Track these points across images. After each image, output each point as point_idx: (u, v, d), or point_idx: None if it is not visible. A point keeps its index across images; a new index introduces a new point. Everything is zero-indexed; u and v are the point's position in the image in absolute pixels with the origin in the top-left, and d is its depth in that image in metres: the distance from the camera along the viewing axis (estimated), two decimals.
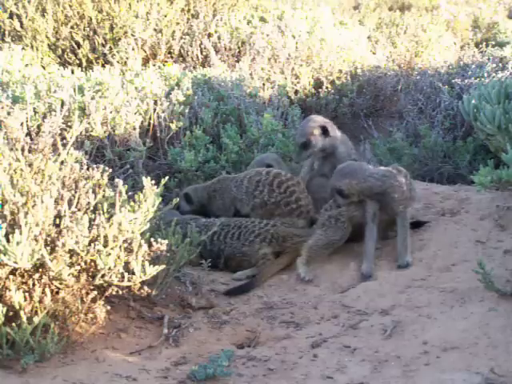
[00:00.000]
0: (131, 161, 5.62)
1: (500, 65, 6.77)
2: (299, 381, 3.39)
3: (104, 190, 3.69)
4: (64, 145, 3.77)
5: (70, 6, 8.03)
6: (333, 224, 4.62)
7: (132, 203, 3.59)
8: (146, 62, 7.83)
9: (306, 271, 4.54)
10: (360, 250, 4.65)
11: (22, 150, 3.60)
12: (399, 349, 3.55)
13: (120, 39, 7.98)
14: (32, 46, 7.90)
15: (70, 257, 3.45)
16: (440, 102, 6.44)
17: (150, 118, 5.87)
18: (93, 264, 3.51)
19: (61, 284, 3.43)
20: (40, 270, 3.40)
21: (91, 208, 3.61)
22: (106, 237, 3.49)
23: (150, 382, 3.34)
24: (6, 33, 8.01)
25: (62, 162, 3.70)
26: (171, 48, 8.13)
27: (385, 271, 4.46)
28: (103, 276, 3.52)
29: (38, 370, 3.27)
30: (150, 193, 3.60)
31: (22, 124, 3.73)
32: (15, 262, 3.22)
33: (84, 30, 8.05)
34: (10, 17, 8.09)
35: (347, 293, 4.31)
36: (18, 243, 3.18)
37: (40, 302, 3.31)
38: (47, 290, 3.32)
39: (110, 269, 3.49)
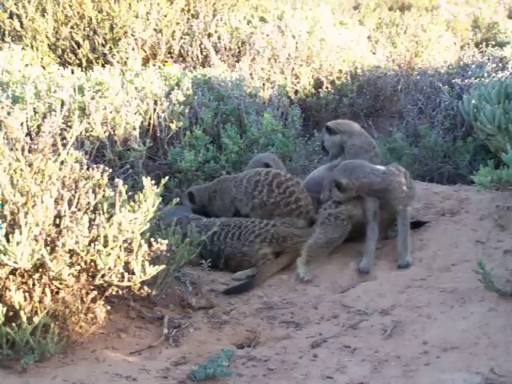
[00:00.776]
0: (131, 161, 5.62)
1: (500, 65, 6.77)
2: (299, 381, 3.39)
3: (104, 190, 3.69)
4: (64, 145, 3.77)
5: (70, 6, 8.03)
6: (332, 222, 4.61)
7: (132, 203, 3.59)
8: (146, 62, 7.83)
9: (305, 271, 4.54)
10: (360, 249, 4.65)
11: (22, 150, 3.60)
12: (399, 349, 3.55)
13: (120, 39, 7.98)
14: (32, 46, 7.90)
15: (70, 257, 3.45)
16: (440, 101, 6.44)
17: (150, 118, 5.87)
18: (93, 264, 3.51)
19: (61, 284, 3.43)
20: (40, 270, 3.40)
21: (91, 208, 3.61)
22: (106, 237, 3.49)
23: (150, 381, 3.34)
24: (6, 33, 8.01)
25: (62, 162, 3.70)
26: (171, 48, 8.13)
27: (385, 271, 4.46)
28: (103, 276, 3.52)
29: (38, 370, 3.27)
30: (150, 193, 3.60)
31: (22, 124, 3.72)
32: (15, 262, 3.22)
33: (84, 30, 8.05)
34: (10, 17, 8.09)
35: (347, 293, 4.31)
36: (18, 243, 3.18)
37: (40, 302, 3.31)
38: (47, 290, 3.32)
39: (110, 269, 3.49)
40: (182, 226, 4.09)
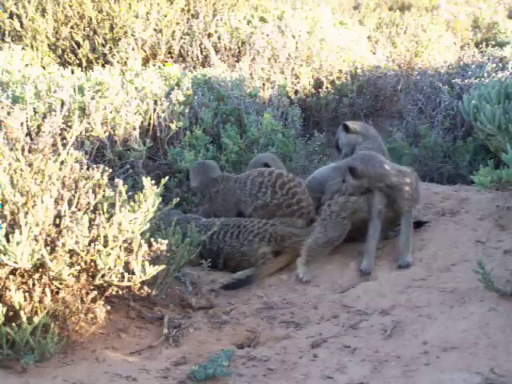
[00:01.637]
0: (131, 161, 5.62)
1: (500, 65, 6.77)
2: (299, 381, 3.39)
3: (104, 190, 3.69)
4: (64, 145, 3.77)
5: (70, 6, 8.03)
6: (333, 219, 4.60)
7: (132, 203, 3.59)
8: (146, 61, 7.83)
9: (304, 272, 4.54)
10: (360, 249, 4.65)
11: (22, 150, 3.60)
12: (399, 349, 3.55)
13: (120, 39, 7.97)
14: (32, 46, 7.89)
15: (70, 257, 3.45)
16: (440, 101, 6.44)
17: (150, 118, 5.87)
18: (93, 264, 3.51)
19: (61, 284, 3.43)
20: (40, 270, 3.40)
21: (91, 208, 3.61)
22: (106, 237, 3.49)
23: (150, 381, 3.34)
24: (6, 33, 8.00)
25: (62, 162, 3.70)
26: (171, 48, 8.12)
27: (385, 271, 4.46)
28: (103, 276, 3.52)
29: (38, 370, 3.27)
30: (150, 193, 3.60)
31: (22, 124, 3.72)
32: (15, 262, 3.22)
33: (84, 29, 8.05)
34: (10, 17, 8.08)
35: (347, 293, 4.31)
36: (18, 243, 3.18)
37: (40, 302, 3.31)
38: (47, 290, 3.32)
39: (110, 269, 3.49)
40: (181, 225, 4.10)
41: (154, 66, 6.96)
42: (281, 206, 4.89)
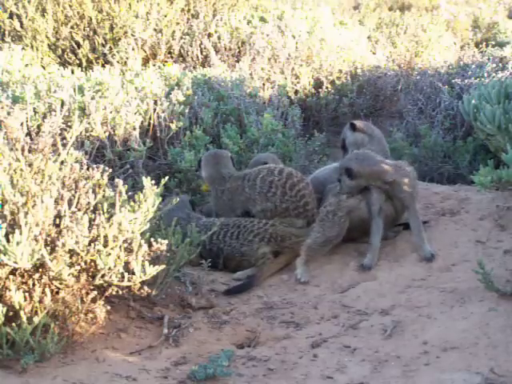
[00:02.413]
0: (131, 161, 5.61)
1: (500, 65, 6.77)
2: (299, 381, 3.39)
3: (104, 190, 3.69)
4: (64, 145, 3.77)
5: (70, 6, 8.03)
6: (330, 219, 4.60)
7: (132, 203, 3.59)
8: (146, 61, 7.83)
9: (302, 272, 4.54)
10: (360, 249, 4.65)
11: (22, 150, 3.60)
12: (399, 349, 3.55)
13: (120, 39, 7.97)
14: (32, 46, 7.89)
15: (70, 257, 3.45)
16: (440, 101, 6.44)
17: (150, 118, 5.87)
18: (93, 264, 3.51)
19: (61, 284, 3.43)
20: (40, 270, 3.40)
21: (91, 208, 3.61)
22: (106, 237, 3.49)
23: (150, 381, 3.34)
24: (6, 33, 8.00)
25: (62, 162, 3.70)
26: (171, 48, 8.12)
27: (385, 271, 4.46)
28: (103, 276, 3.52)
29: (37, 370, 3.27)
30: (150, 193, 3.60)
31: (22, 124, 3.72)
32: (15, 262, 3.22)
33: (84, 29, 8.05)
34: (10, 17, 8.08)
35: (347, 293, 4.31)
36: (18, 243, 3.18)
37: (40, 302, 3.31)
38: (47, 290, 3.32)
39: (110, 269, 3.49)
40: (181, 225, 4.10)
41: (154, 66, 6.96)
42: (288, 209, 4.88)
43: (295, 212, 4.88)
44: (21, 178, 3.48)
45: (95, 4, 8.05)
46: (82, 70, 6.90)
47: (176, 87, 6.26)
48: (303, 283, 4.49)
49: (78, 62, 7.94)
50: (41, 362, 3.30)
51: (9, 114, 3.74)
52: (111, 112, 5.69)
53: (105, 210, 3.56)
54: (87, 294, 3.49)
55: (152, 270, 3.54)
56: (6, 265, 3.26)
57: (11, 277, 3.31)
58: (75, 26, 8.04)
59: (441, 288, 4.10)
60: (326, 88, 7.67)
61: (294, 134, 6.31)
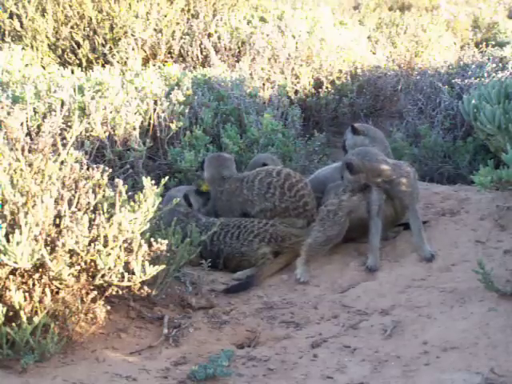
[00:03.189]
0: (131, 161, 5.62)
1: (500, 65, 6.77)
2: (299, 381, 3.39)
3: (104, 190, 3.69)
4: (64, 145, 3.77)
5: (70, 6, 8.03)
6: (331, 218, 4.60)
7: (132, 203, 3.59)
8: (146, 62, 7.82)
9: (302, 272, 4.54)
10: (360, 249, 4.65)
11: (22, 150, 3.60)
12: (399, 349, 3.55)
13: (120, 39, 7.97)
14: (32, 46, 7.89)
15: (70, 257, 3.45)
16: (440, 101, 6.44)
17: (150, 118, 5.87)
18: (93, 264, 3.51)
19: (61, 284, 3.43)
20: (40, 270, 3.40)
21: (91, 208, 3.61)
22: (106, 237, 3.49)
23: (150, 381, 3.34)
24: (6, 33, 8.00)
25: (62, 162, 3.70)
26: (171, 48, 8.12)
27: (385, 271, 4.46)
28: (103, 276, 3.52)
29: (37, 370, 3.27)
30: (150, 193, 3.60)
31: (22, 124, 3.72)
32: (15, 262, 3.22)
33: (84, 29, 8.05)
34: (10, 17, 8.08)
35: (347, 293, 4.31)
36: (18, 243, 3.18)
37: (40, 302, 3.31)
38: (47, 290, 3.32)
39: (110, 269, 3.49)
40: (181, 225, 4.10)
41: (154, 66, 6.95)
42: (288, 209, 4.89)
43: (295, 212, 4.89)
44: (21, 178, 3.48)
45: (95, 4, 8.04)
46: (81, 70, 6.89)
47: (176, 87, 6.26)
48: (303, 283, 4.49)
49: (78, 62, 7.94)
50: (41, 362, 3.30)
51: (9, 113, 3.75)
52: (111, 112, 5.69)
53: (105, 210, 3.56)
54: (87, 293, 3.50)
55: (152, 270, 3.54)
56: (6, 265, 3.26)
57: (11, 277, 3.31)
58: (75, 26, 8.04)
59: (441, 288, 4.10)
60: (326, 88, 7.66)
61: (293, 134, 6.31)
